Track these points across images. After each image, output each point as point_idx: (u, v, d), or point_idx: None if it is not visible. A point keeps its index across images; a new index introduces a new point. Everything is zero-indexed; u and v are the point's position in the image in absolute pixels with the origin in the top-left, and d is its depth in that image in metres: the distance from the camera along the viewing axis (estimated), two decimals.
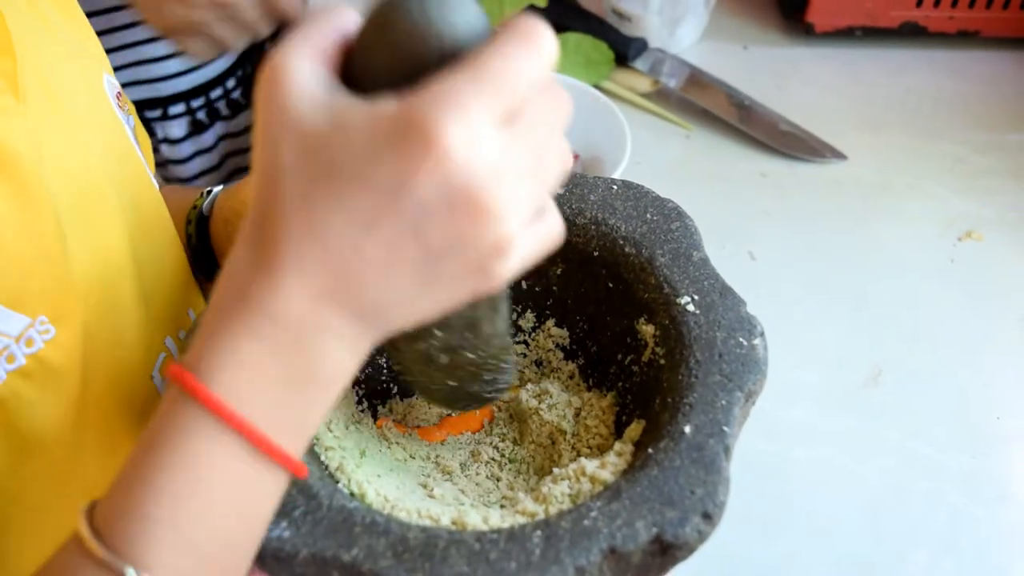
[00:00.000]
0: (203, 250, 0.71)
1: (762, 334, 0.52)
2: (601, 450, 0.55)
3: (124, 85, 0.99)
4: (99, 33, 0.92)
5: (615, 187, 0.58)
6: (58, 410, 0.50)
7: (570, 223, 0.58)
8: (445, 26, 0.34)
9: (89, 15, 0.88)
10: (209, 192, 0.72)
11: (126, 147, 0.59)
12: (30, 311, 0.47)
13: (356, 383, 0.61)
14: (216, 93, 1.05)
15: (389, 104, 0.33)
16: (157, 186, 0.63)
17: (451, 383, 0.50)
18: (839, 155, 0.93)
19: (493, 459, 0.57)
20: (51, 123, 0.51)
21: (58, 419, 0.50)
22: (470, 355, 0.47)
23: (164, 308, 0.61)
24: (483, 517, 0.46)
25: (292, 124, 0.34)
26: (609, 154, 0.82)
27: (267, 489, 0.38)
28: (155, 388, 0.59)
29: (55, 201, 0.49)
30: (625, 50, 0.98)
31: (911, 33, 1.04)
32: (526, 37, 0.34)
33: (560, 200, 0.58)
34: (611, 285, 0.58)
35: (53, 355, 0.48)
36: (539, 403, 0.58)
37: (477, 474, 0.56)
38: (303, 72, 0.34)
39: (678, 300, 0.53)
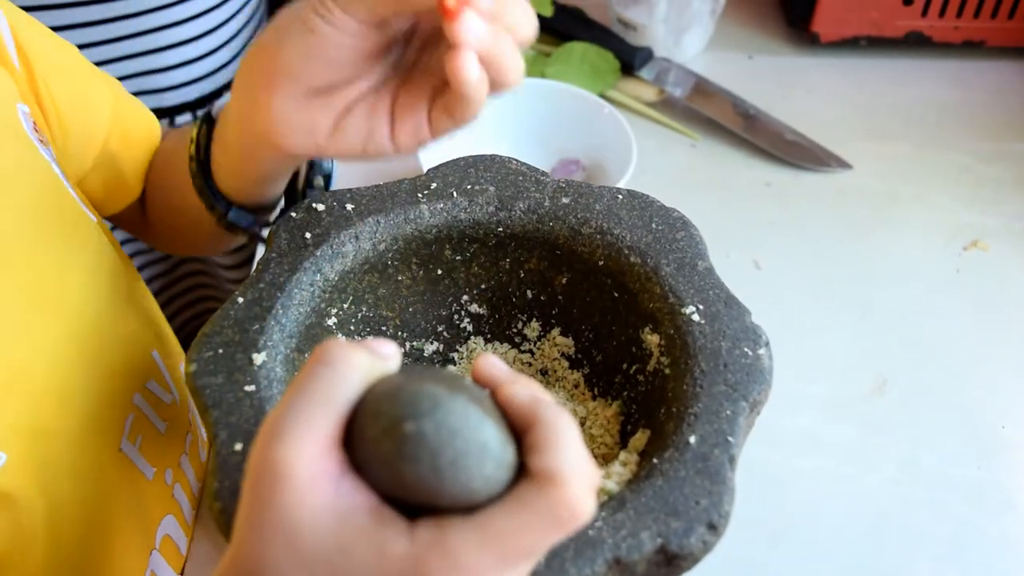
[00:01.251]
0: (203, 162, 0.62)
1: (767, 344, 0.52)
2: (606, 459, 0.55)
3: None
4: (104, 42, 0.91)
5: (620, 196, 0.59)
6: (27, 523, 0.48)
7: (575, 232, 0.58)
8: (459, 486, 0.33)
9: (93, 24, 0.88)
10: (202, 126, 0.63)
11: (56, 187, 0.55)
12: None
13: None
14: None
15: (399, 542, 0.32)
16: (93, 217, 0.59)
17: None
18: (844, 164, 0.93)
19: None
20: None
21: (28, 530, 0.48)
22: None
23: (125, 364, 0.58)
24: None
25: (294, 536, 0.32)
26: (614, 163, 0.82)
27: None
28: (126, 459, 0.57)
29: None
30: (631, 59, 0.98)
31: (916, 43, 1.04)
32: (557, 513, 0.33)
33: (566, 209, 0.58)
34: (616, 295, 0.58)
35: (9, 481, 0.46)
36: None
37: None
38: (309, 468, 0.32)
39: (683, 310, 0.53)
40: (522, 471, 0.35)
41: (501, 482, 0.34)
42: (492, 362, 0.38)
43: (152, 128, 0.72)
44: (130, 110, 0.70)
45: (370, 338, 0.38)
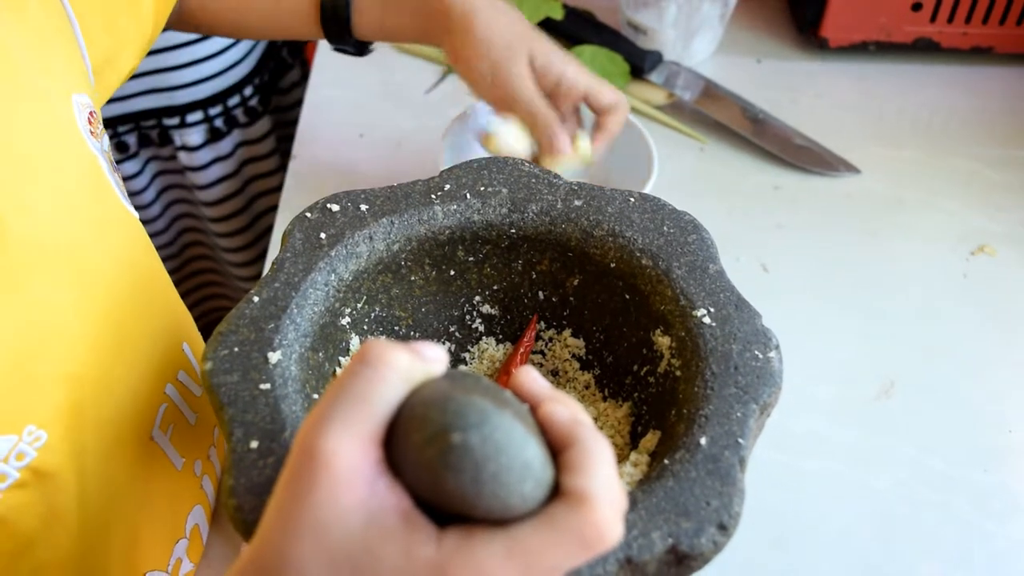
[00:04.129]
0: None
1: (777, 347, 0.52)
2: (617, 460, 0.56)
3: (141, 93, 1.00)
4: None
5: (632, 200, 0.59)
6: (60, 502, 0.49)
7: (587, 235, 0.58)
8: (496, 500, 0.34)
9: None
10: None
11: (100, 182, 0.55)
12: (15, 428, 0.46)
13: None
14: (234, 101, 1.06)
15: (427, 546, 0.33)
16: (134, 213, 0.60)
17: None
18: (852, 169, 0.93)
19: None
20: (6, 179, 0.48)
21: (61, 508, 0.49)
22: None
23: (159, 355, 0.59)
24: None
25: (323, 531, 0.33)
26: (633, 169, 0.81)
27: None
28: (157, 448, 0.58)
29: (30, 280, 0.47)
30: (640, 63, 0.99)
31: (925, 49, 1.05)
32: (584, 534, 0.34)
33: (578, 212, 0.59)
34: (627, 297, 0.58)
35: (48, 459, 0.47)
36: None
37: None
38: (347, 463, 0.33)
39: (694, 312, 0.53)
40: (556, 490, 0.35)
41: (537, 500, 0.35)
42: (534, 377, 0.39)
43: None
44: None
45: (420, 342, 0.38)
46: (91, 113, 0.57)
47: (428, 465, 0.34)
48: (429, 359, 0.37)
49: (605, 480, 0.35)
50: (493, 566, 0.33)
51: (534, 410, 0.38)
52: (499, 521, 0.34)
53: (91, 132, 0.56)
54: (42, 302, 0.48)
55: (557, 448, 0.36)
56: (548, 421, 0.37)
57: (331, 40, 0.77)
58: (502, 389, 0.38)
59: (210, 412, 0.65)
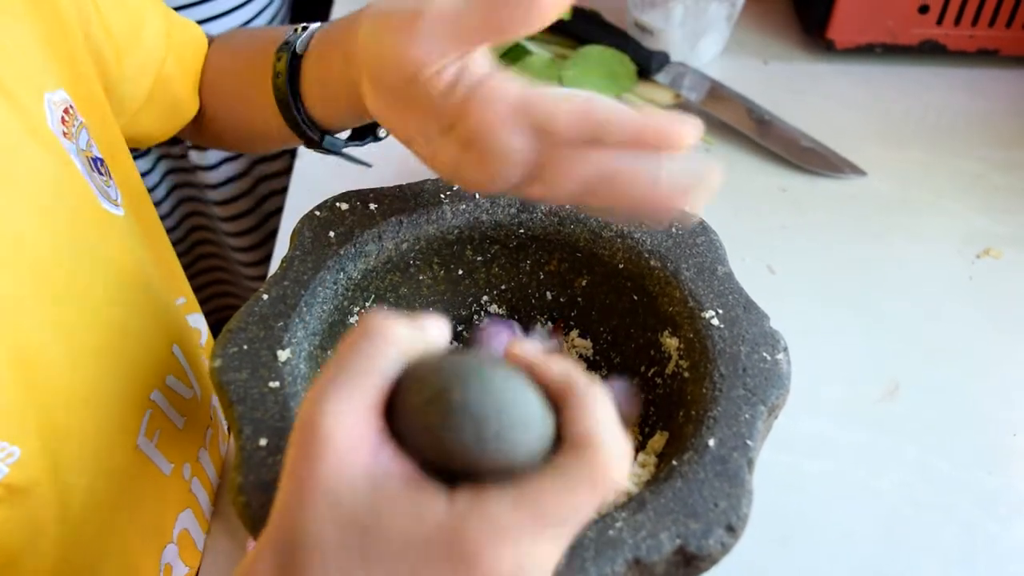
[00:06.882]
0: (292, 91, 0.61)
1: (785, 349, 0.52)
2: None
3: None
4: None
5: None
6: (42, 516, 0.48)
7: (596, 235, 0.59)
8: (500, 456, 0.34)
9: None
10: (304, 28, 0.63)
11: (74, 183, 0.53)
12: None
13: None
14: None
15: (437, 508, 0.33)
16: (118, 211, 0.57)
17: None
18: (858, 171, 0.93)
19: None
20: None
21: (43, 522, 0.48)
22: None
23: (145, 361, 0.57)
24: None
25: (332, 499, 0.33)
26: None
27: None
28: (142, 455, 0.57)
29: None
30: (647, 63, 0.99)
31: (931, 51, 1.05)
32: (591, 476, 0.34)
33: (587, 212, 0.59)
34: (636, 298, 0.59)
35: (22, 475, 0.46)
36: None
37: None
38: (348, 436, 0.33)
39: (702, 314, 0.54)
40: (558, 442, 0.36)
41: (541, 453, 0.35)
42: (524, 346, 0.39)
43: (201, 42, 0.72)
44: (181, 29, 0.70)
45: (424, 315, 0.38)
46: (66, 110, 0.54)
47: (429, 427, 0.34)
48: (430, 332, 0.37)
49: (605, 423, 0.35)
50: (506, 517, 0.33)
51: (529, 372, 0.38)
52: (506, 477, 0.34)
53: (64, 132, 0.53)
54: (10, 312, 0.46)
55: (555, 400, 0.37)
56: (543, 376, 0.37)
57: (308, 144, 0.65)
58: (499, 358, 0.38)
59: (200, 415, 0.65)
